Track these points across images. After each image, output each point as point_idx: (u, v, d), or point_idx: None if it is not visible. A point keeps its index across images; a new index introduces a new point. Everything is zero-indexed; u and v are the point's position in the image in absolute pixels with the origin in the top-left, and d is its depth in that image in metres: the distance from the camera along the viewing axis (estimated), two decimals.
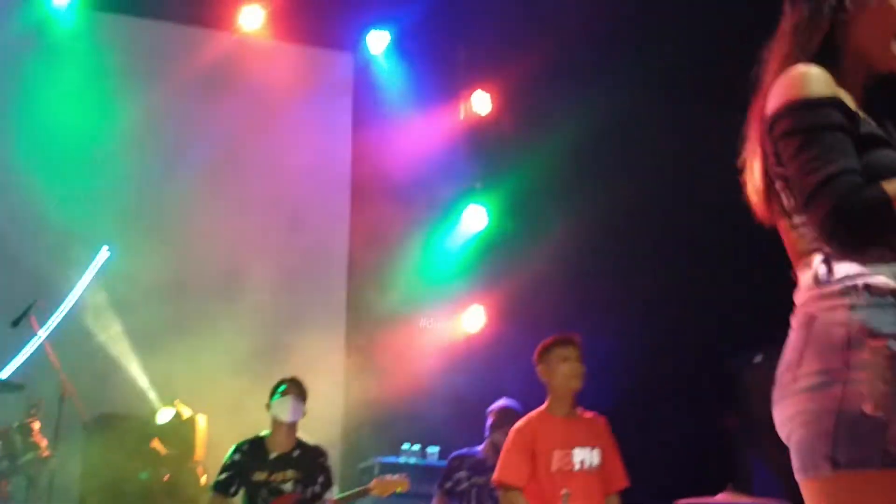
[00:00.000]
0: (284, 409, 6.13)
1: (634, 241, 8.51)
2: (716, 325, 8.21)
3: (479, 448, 6.62)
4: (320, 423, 7.11)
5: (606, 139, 8.32)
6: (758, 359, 8.35)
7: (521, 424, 5.25)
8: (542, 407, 5.28)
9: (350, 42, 9.14)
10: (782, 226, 2.21)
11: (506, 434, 5.34)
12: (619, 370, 7.32)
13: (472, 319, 8.97)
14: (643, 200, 8.28)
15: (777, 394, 2.11)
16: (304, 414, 6.20)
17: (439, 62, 9.12)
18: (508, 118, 9.04)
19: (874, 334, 1.97)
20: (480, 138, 9.14)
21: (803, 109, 2.06)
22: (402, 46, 9.04)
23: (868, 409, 1.93)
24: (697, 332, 8.18)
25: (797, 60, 2.15)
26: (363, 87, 9.12)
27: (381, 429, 8.23)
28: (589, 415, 5.34)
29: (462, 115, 9.25)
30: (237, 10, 8.61)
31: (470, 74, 9.21)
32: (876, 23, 2.15)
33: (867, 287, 2.02)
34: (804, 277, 2.14)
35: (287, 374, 6.31)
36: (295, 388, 6.21)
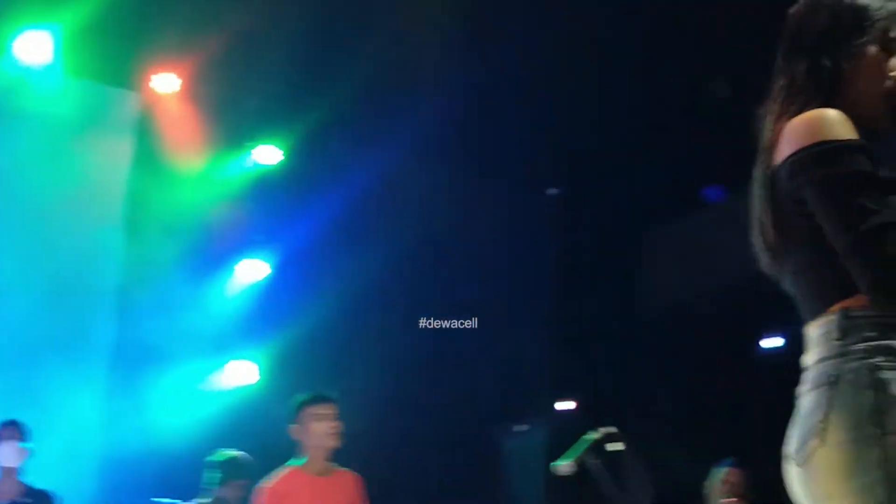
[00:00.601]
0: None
1: (396, 299, 8.67)
2: (478, 390, 8.41)
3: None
4: (74, 467, 6.85)
5: (374, 199, 8.49)
6: (521, 428, 8.59)
7: (275, 483, 5.17)
8: (296, 464, 5.24)
9: (137, 81, 8.96)
10: (799, 273, 2.09)
11: (238, 488, 5.24)
12: (378, 431, 7.39)
13: (241, 371, 8.86)
14: (402, 262, 8.47)
15: (799, 457, 2.01)
16: (25, 457, 5.93)
17: (228, 110, 9.06)
18: (293, 170, 9.06)
19: None
20: (265, 189, 9.11)
21: (835, 152, 1.97)
22: (191, 90, 8.94)
23: None
24: (460, 397, 8.36)
25: (799, 113, 2.07)
26: (148, 127, 8.95)
27: (137, 477, 7.99)
28: (343, 473, 5.33)
29: (247, 164, 9.19)
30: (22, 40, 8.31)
31: (259, 124, 9.19)
32: (868, 81, 2.10)
33: (889, 349, 1.95)
34: (819, 331, 2.05)
35: (23, 416, 6.06)
36: (9, 432, 5.95)
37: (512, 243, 9.94)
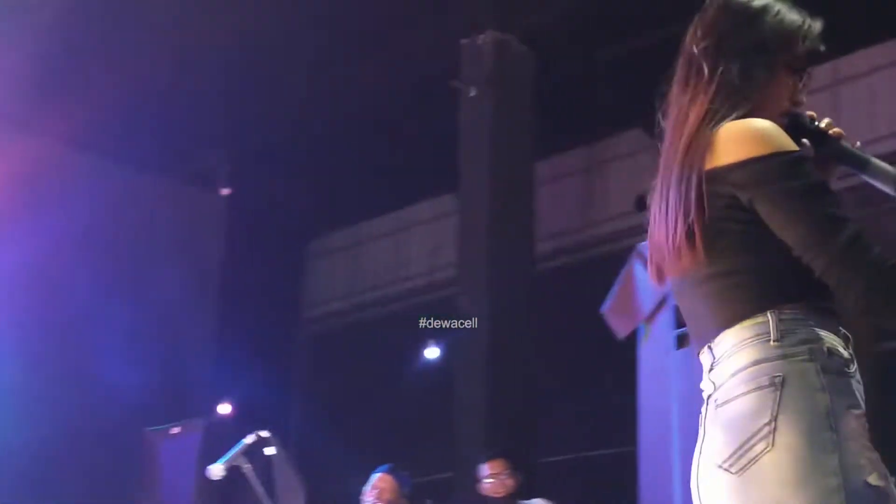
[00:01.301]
0: None
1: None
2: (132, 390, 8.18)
3: None
4: None
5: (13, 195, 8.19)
6: (176, 430, 8.42)
7: None
8: None
9: None
10: (720, 278, 1.99)
11: None
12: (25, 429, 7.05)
13: None
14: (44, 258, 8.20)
15: (736, 465, 1.87)
16: None
17: None
18: None
19: (853, 403, 1.88)
20: None
21: (794, 163, 1.93)
22: None
23: (872, 479, 1.81)
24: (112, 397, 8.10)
25: (729, 117, 2.01)
26: None
27: None
28: None
29: None
30: None
31: None
32: (777, 98, 2.08)
33: (830, 352, 1.90)
34: (746, 334, 1.94)
35: None
36: None
37: (175, 243, 9.72)
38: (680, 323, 4.55)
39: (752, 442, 1.84)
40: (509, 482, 5.43)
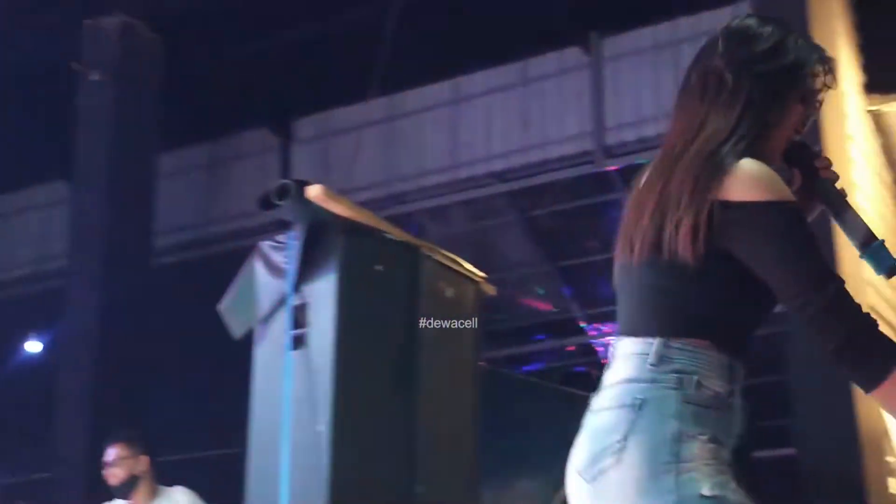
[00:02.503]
0: None
1: None
2: None
3: None
4: None
5: None
6: None
7: None
8: None
9: None
10: (652, 290, 2.05)
11: None
12: None
13: None
14: None
15: (589, 473, 1.98)
16: None
17: None
18: None
19: (704, 431, 1.94)
20: None
21: (793, 213, 1.98)
22: None
23: (706, 490, 1.88)
24: None
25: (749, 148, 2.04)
26: None
27: None
28: None
29: None
30: None
31: None
32: (787, 128, 2.13)
33: (699, 384, 1.97)
34: (633, 349, 2.03)
35: None
36: None
37: None
38: (297, 324, 4.57)
39: (604, 455, 1.96)
40: (131, 465, 5.19)
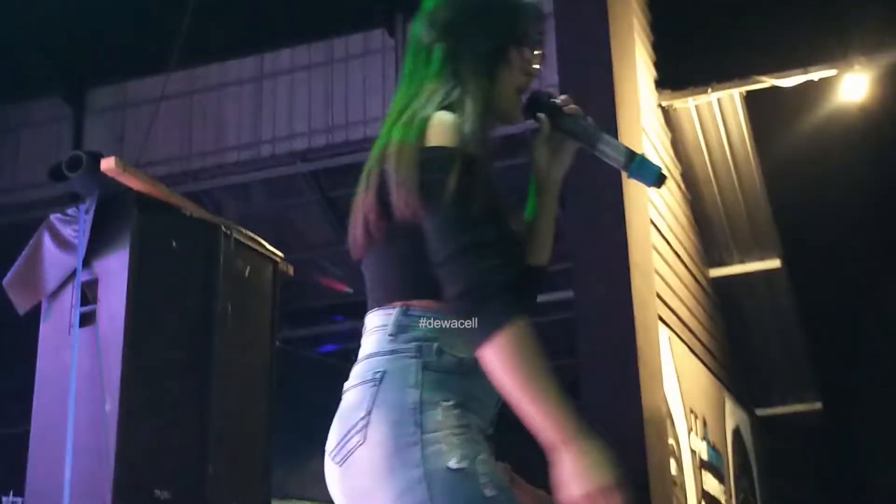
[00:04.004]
0: None
1: None
2: None
3: None
4: None
5: None
6: None
7: None
8: None
9: None
10: (374, 266, 2.03)
11: None
12: None
13: None
14: None
15: (338, 456, 1.92)
16: None
17: None
18: None
19: (447, 397, 1.89)
20: None
21: (448, 159, 1.90)
22: None
23: (453, 463, 1.82)
24: None
25: (446, 100, 2.01)
26: None
27: None
28: None
29: None
30: None
31: None
32: (509, 77, 2.11)
33: (441, 351, 1.92)
34: (375, 323, 1.99)
35: None
36: None
37: None
38: (86, 300, 4.43)
39: (350, 435, 1.91)
40: None
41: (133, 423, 4.17)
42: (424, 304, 1.96)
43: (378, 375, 1.93)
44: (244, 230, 4.85)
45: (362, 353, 2.02)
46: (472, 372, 1.92)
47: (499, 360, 1.82)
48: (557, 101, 2.17)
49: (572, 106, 2.16)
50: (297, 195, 8.88)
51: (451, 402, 1.90)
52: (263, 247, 4.96)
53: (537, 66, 2.17)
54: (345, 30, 8.42)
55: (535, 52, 2.17)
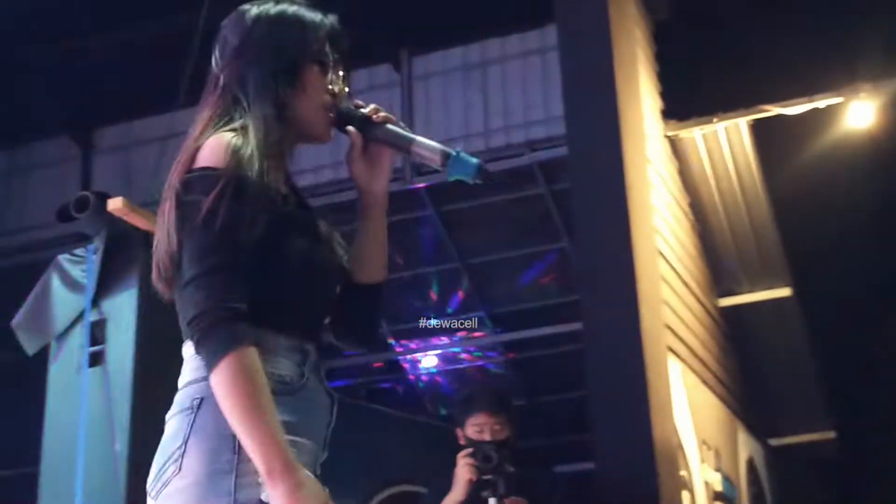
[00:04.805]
0: None
1: None
2: None
3: None
4: None
5: None
6: None
7: None
8: None
9: None
10: (178, 292, 1.96)
11: None
12: None
13: None
14: None
15: (154, 489, 1.88)
16: None
17: None
18: None
19: None
20: None
21: (212, 180, 1.87)
22: None
23: (264, 497, 1.77)
24: None
25: (226, 126, 1.98)
26: None
27: None
28: None
29: None
30: None
31: None
32: (310, 96, 2.08)
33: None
34: (191, 349, 1.91)
35: None
36: None
37: None
38: (95, 341, 4.42)
39: (166, 466, 1.86)
40: None
41: (143, 462, 4.15)
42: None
43: (196, 402, 1.89)
44: None
45: (181, 382, 1.98)
46: (300, 390, 1.92)
47: (218, 387, 1.79)
48: (365, 110, 2.14)
49: (382, 114, 2.14)
50: None
51: None
52: None
53: (339, 84, 2.16)
54: (350, 65, 8.44)
55: (335, 69, 2.15)
